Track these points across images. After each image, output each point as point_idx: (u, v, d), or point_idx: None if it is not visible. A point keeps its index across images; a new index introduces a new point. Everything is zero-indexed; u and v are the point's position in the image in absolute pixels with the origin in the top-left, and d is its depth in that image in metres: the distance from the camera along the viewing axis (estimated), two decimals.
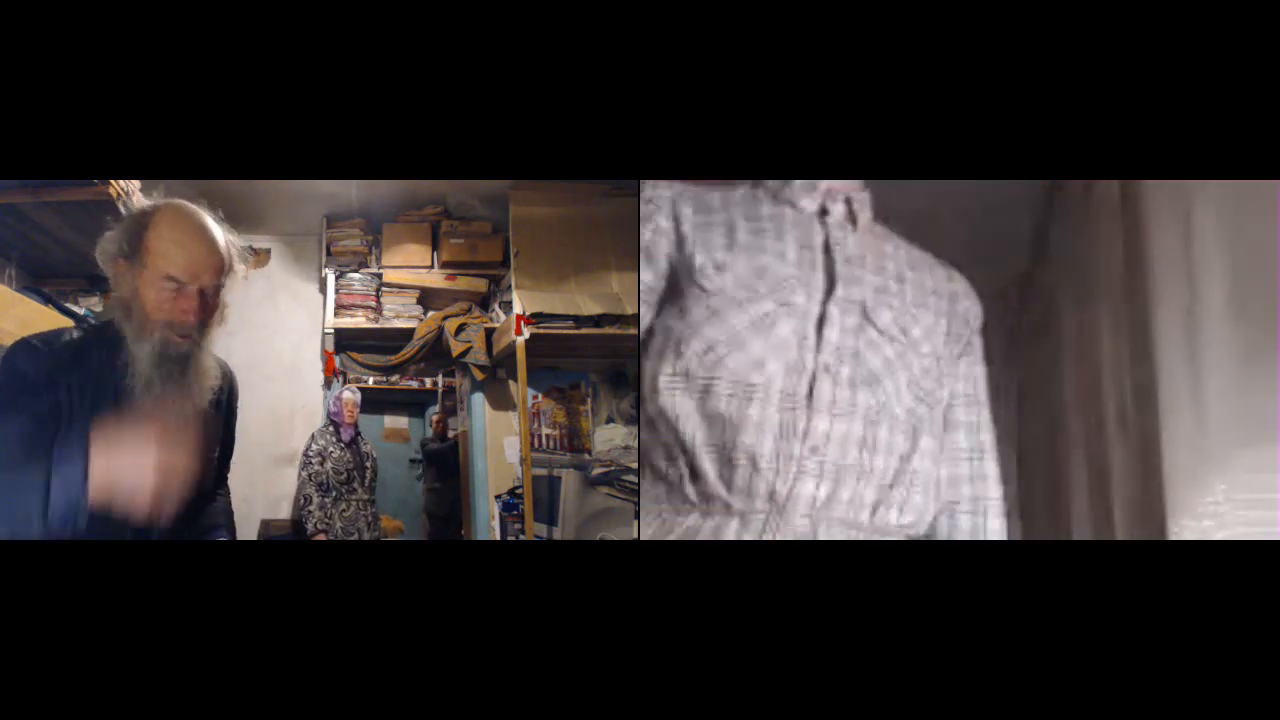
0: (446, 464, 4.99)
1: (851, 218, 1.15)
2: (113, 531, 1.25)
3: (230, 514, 1.60)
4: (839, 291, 1.08)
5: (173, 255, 1.33)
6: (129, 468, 1.19)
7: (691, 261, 1.09)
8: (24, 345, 1.34)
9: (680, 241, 1.10)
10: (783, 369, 1.02)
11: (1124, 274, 1.96)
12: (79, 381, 1.31)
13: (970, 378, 1.17)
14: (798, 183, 1.15)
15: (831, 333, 1.05)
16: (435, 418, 5.29)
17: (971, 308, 1.19)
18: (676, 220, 1.11)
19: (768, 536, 1.01)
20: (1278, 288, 1.51)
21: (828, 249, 1.12)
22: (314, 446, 4.15)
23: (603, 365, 4.22)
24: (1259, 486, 1.56)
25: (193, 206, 1.39)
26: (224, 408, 1.49)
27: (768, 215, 1.13)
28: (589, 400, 4.25)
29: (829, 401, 1.02)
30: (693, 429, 1.03)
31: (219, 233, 1.38)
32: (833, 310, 1.07)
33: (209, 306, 1.37)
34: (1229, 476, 1.59)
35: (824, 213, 1.14)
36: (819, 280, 1.09)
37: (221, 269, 1.37)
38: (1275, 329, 1.51)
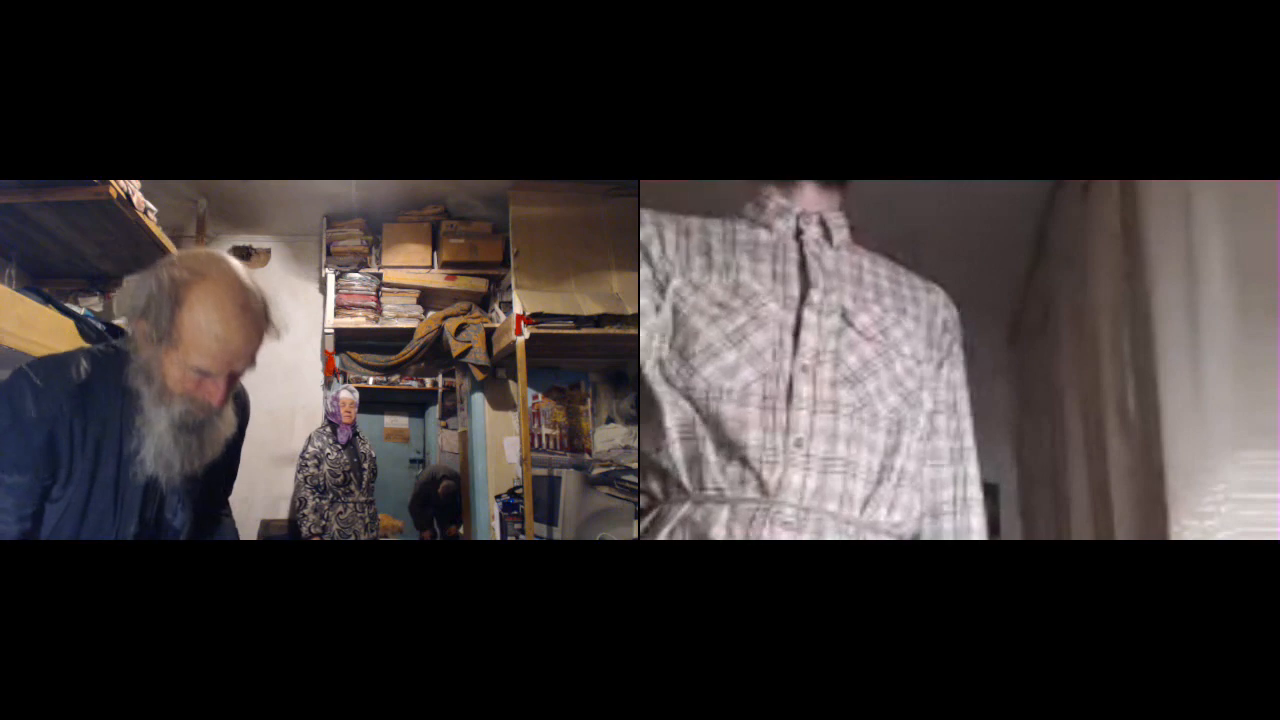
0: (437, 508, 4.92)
1: (827, 236, 1.20)
2: None
3: (236, 533, 1.55)
4: (814, 296, 1.14)
5: (208, 349, 1.19)
6: None
7: (668, 285, 1.15)
8: (25, 382, 1.20)
9: (655, 270, 1.17)
10: (758, 375, 1.09)
11: (1123, 269, 1.96)
12: (82, 428, 1.21)
13: (950, 384, 1.20)
14: (772, 206, 1.20)
15: (809, 336, 1.11)
16: (443, 485, 5.11)
17: (950, 316, 1.23)
18: (662, 247, 1.17)
19: (758, 524, 1.05)
20: (1278, 284, 1.51)
21: (803, 264, 1.17)
22: (310, 448, 4.14)
23: (603, 365, 4.22)
24: (1259, 486, 1.56)
25: (234, 274, 1.22)
26: (233, 441, 1.39)
27: (744, 240, 1.19)
28: (589, 400, 4.25)
29: (809, 399, 1.08)
30: (684, 420, 1.10)
31: (259, 306, 1.23)
32: (809, 315, 1.12)
33: (237, 380, 1.27)
34: (1229, 476, 1.59)
35: (799, 233, 1.19)
36: (793, 290, 1.14)
37: (258, 349, 1.24)
38: (1276, 327, 1.51)
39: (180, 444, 1.24)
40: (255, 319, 1.23)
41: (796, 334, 1.11)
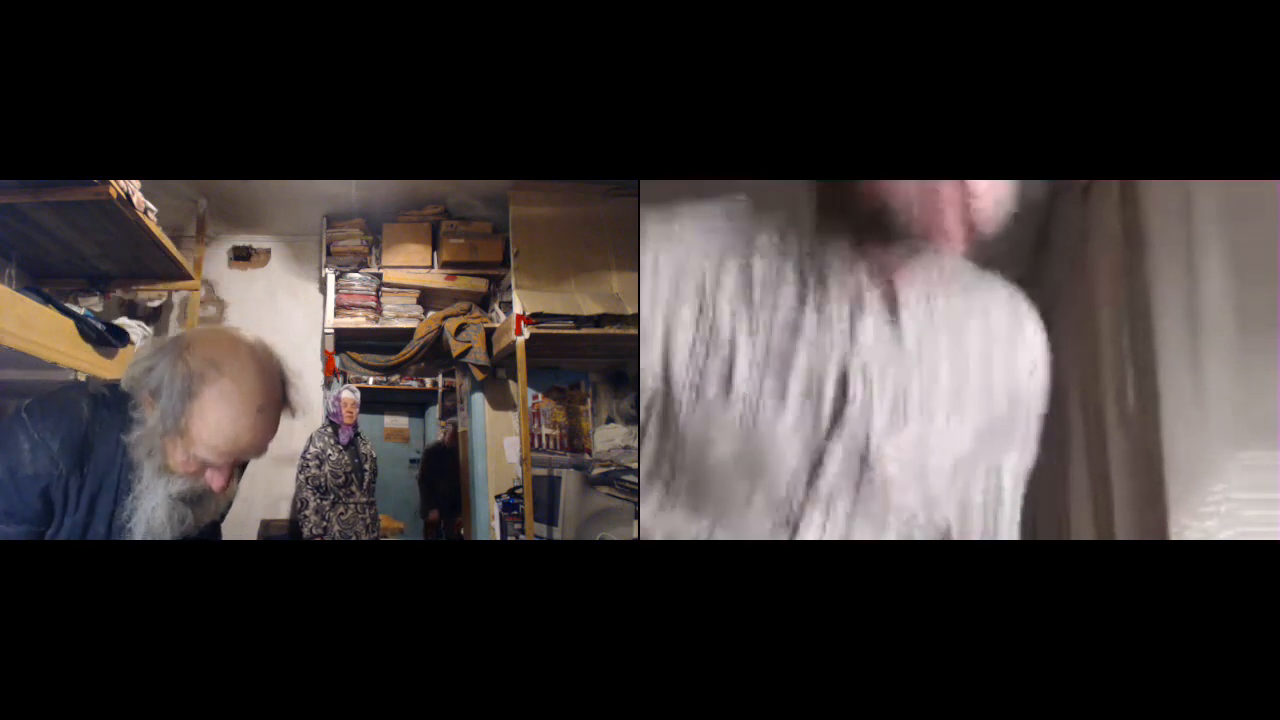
0: (445, 463, 4.96)
1: (893, 312, 1.05)
2: None
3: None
4: (843, 430, 1.01)
5: (216, 448, 1.15)
6: None
7: (724, 358, 1.03)
8: (22, 433, 1.16)
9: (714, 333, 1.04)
10: (768, 501, 1.02)
11: (1123, 270, 1.96)
12: (78, 486, 1.19)
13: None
14: (835, 283, 1.04)
15: (831, 465, 1.02)
16: (443, 429, 5.17)
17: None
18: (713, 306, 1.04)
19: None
20: (1278, 284, 1.51)
21: (844, 378, 1.02)
22: (312, 449, 4.13)
23: (603, 365, 4.23)
24: (1259, 486, 1.56)
25: (253, 369, 1.16)
26: (232, 499, 1.34)
27: (783, 325, 1.03)
28: (589, 400, 4.25)
29: (820, 527, 1.03)
30: (715, 457, 1.03)
31: (278, 398, 1.19)
32: (834, 447, 1.02)
33: (243, 466, 1.23)
34: (1229, 476, 1.59)
35: (852, 318, 1.03)
36: (825, 411, 1.02)
37: (272, 438, 1.20)
38: (1276, 328, 1.52)
39: (175, 516, 1.20)
40: (272, 417, 1.18)
41: (818, 464, 1.02)
